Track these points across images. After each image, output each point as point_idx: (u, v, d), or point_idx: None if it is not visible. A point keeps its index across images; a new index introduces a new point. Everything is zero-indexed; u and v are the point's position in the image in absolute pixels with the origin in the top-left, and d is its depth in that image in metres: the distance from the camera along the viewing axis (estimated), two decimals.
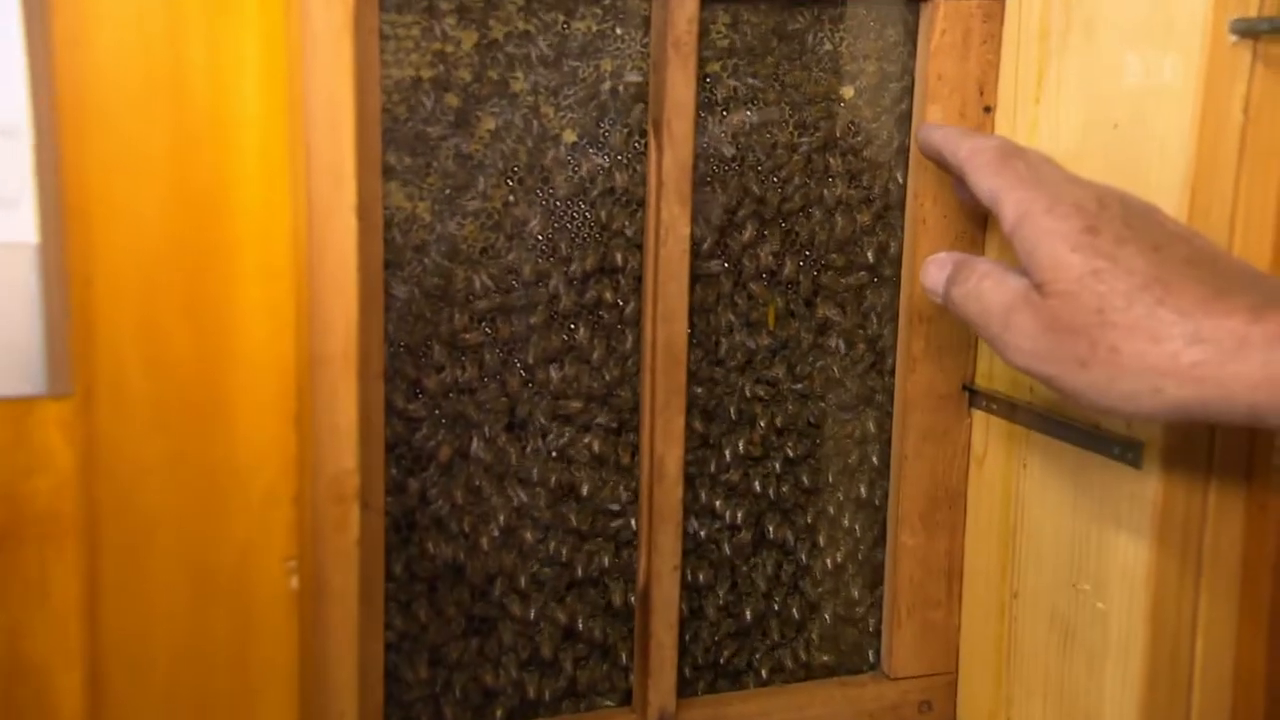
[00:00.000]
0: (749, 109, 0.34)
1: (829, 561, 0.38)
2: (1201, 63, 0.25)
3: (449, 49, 0.30)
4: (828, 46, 0.35)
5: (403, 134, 0.30)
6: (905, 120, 0.36)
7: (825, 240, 0.36)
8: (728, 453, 0.36)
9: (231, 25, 0.22)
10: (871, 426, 0.38)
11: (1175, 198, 0.26)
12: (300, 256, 0.24)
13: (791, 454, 0.37)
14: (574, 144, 0.32)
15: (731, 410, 0.36)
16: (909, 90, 0.36)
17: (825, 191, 0.36)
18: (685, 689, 0.36)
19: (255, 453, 0.24)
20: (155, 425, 0.23)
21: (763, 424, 0.36)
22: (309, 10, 0.24)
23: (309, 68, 0.24)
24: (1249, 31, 0.25)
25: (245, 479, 0.24)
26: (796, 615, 0.38)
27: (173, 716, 0.24)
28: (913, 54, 0.36)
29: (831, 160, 0.36)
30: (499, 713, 0.34)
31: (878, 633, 0.39)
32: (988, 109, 0.35)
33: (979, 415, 0.37)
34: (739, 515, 0.36)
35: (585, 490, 0.34)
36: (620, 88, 0.33)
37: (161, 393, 0.22)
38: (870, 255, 0.36)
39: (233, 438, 0.23)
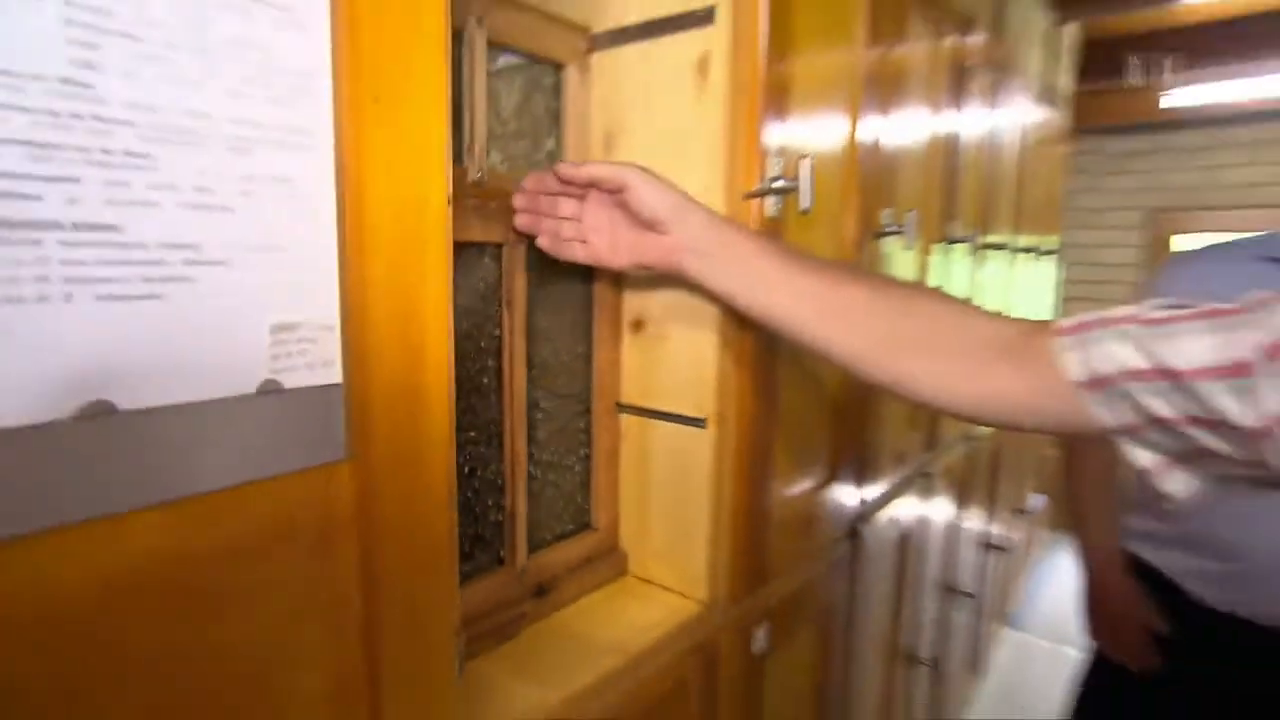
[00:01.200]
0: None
1: (571, 481, 0.71)
2: (727, 210, 0.65)
3: None
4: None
5: None
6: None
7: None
8: (535, 444, 0.66)
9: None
10: (580, 425, 0.72)
11: None
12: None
13: (548, 444, 0.68)
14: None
15: (537, 427, 0.65)
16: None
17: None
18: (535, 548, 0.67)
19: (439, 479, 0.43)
20: (400, 470, 0.40)
21: (542, 433, 0.67)
22: None
23: None
24: (750, 195, 0.66)
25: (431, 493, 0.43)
26: (563, 506, 0.70)
27: None
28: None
29: None
30: None
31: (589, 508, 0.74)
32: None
33: (625, 417, 0.74)
34: (537, 468, 0.67)
35: (484, 467, 0.60)
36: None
37: (404, 452, 0.40)
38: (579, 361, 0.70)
39: (430, 476, 0.42)
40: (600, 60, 0.76)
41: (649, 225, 0.62)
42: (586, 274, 0.76)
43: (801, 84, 0.76)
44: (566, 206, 0.65)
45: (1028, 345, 0.56)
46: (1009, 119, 1.75)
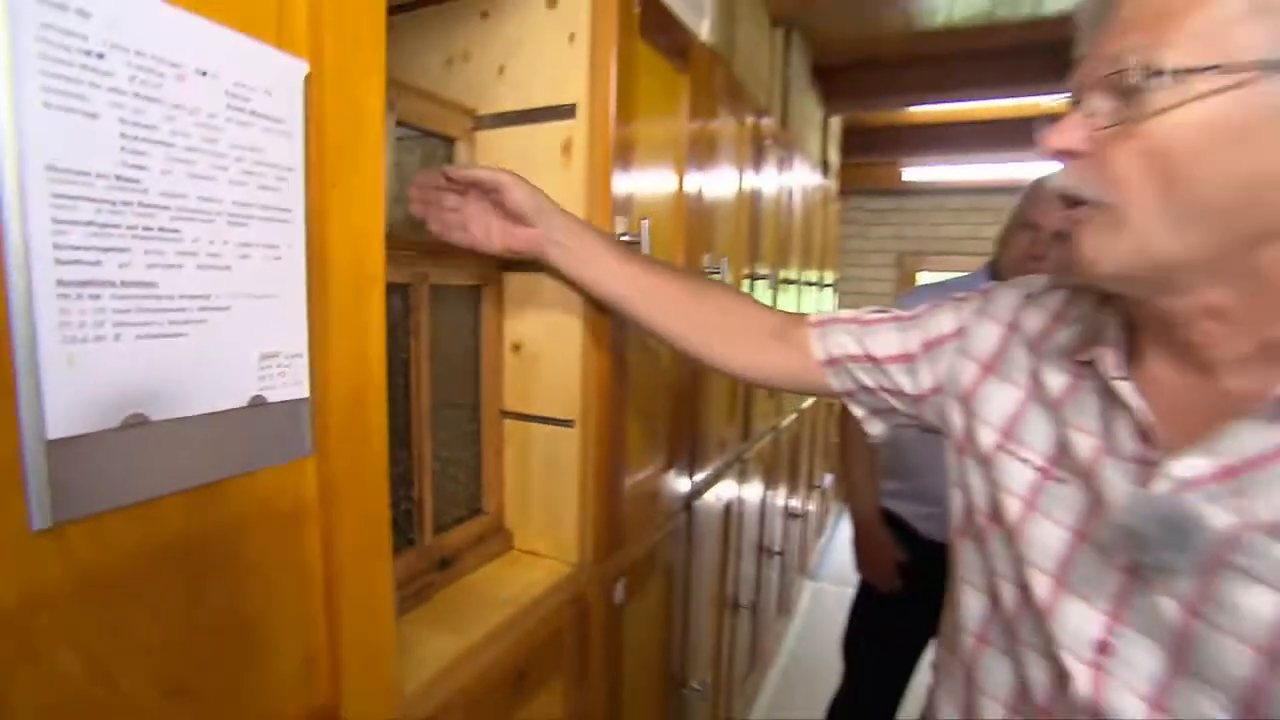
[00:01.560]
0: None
1: (466, 475, 0.78)
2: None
3: None
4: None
5: None
6: None
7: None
8: (437, 445, 0.73)
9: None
10: (473, 429, 0.80)
11: None
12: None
13: (447, 445, 0.75)
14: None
15: (438, 431, 0.72)
16: None
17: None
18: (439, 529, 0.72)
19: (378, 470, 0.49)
20: (354, 458, 0.46)
21: (442, 436, 0.74)
22: None
23: None
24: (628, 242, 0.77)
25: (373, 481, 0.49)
26: (460, 495, 0.77)
27: None
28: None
29: None
30: None
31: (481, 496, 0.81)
32: None
33: (508, 421, 0.83)
34: (439, 464, 0.73)
35: (396, 465, 0.66)
36: None
37: (356, 450, 0.46)
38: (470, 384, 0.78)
39: (372, 468, 0.48)
40: (484, 137, 0.84)
41: (518, 219, 0.71)
42: (474, 307, 0.84)
43: (642, 155, 0.89)
44: (450, 200, 0.71)
45: (793, 333, 0.73)
46: (796, 182, 2.01)
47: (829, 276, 2.83)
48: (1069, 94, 0.48)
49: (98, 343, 0.32)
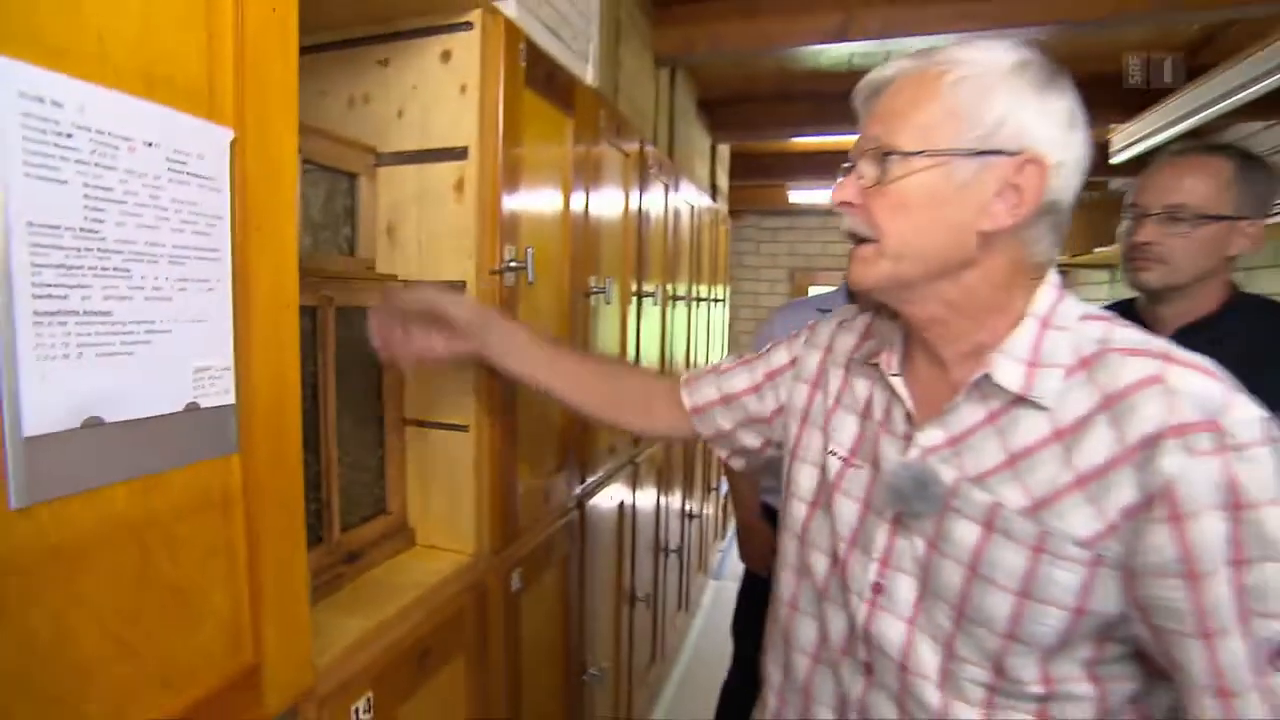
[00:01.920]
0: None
1: (370, 478, 0.87)
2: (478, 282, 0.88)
3: None
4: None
5: None
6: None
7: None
8: (343, 450, 0.81)
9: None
10: (376, 436, 0.88)
11: None
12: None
13: (352, 450, 0.84)
14: None
15: (344, 438, 0.81)
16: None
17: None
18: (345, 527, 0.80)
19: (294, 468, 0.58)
20: (272, 456, 0.55)
21: (348, 442, 0.83)
22: None
23: None
24: (494, 272, 0.89)
25: (289, 477, 0.57)
26: (365, 496, 0.85)
27: None
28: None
29: None
30: None
31: (384, 496, 0.90)
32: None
33: (409, 428, 0.92)
34: (345, 469, 0.82)
35: (306, 469, 0.74)
36: None
37: (272, 448, 0.54)
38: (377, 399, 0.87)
39: (288, 466, 0.57)
40: (385, 172, 0.94)
41: (461, 333, 0.84)
42: None
43: (528, 188, 1.01)
44: (399, 332, 0.84)
45: (674, 393, 0.88)
46: (683, 204, 2.19)
47: (719, 292, 3.04)
48: (849, 162, 0.65)
49: (64, 360, 0.41)
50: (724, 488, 3.37)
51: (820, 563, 0.70)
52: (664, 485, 2.10)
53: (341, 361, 0.84)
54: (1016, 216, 0.56)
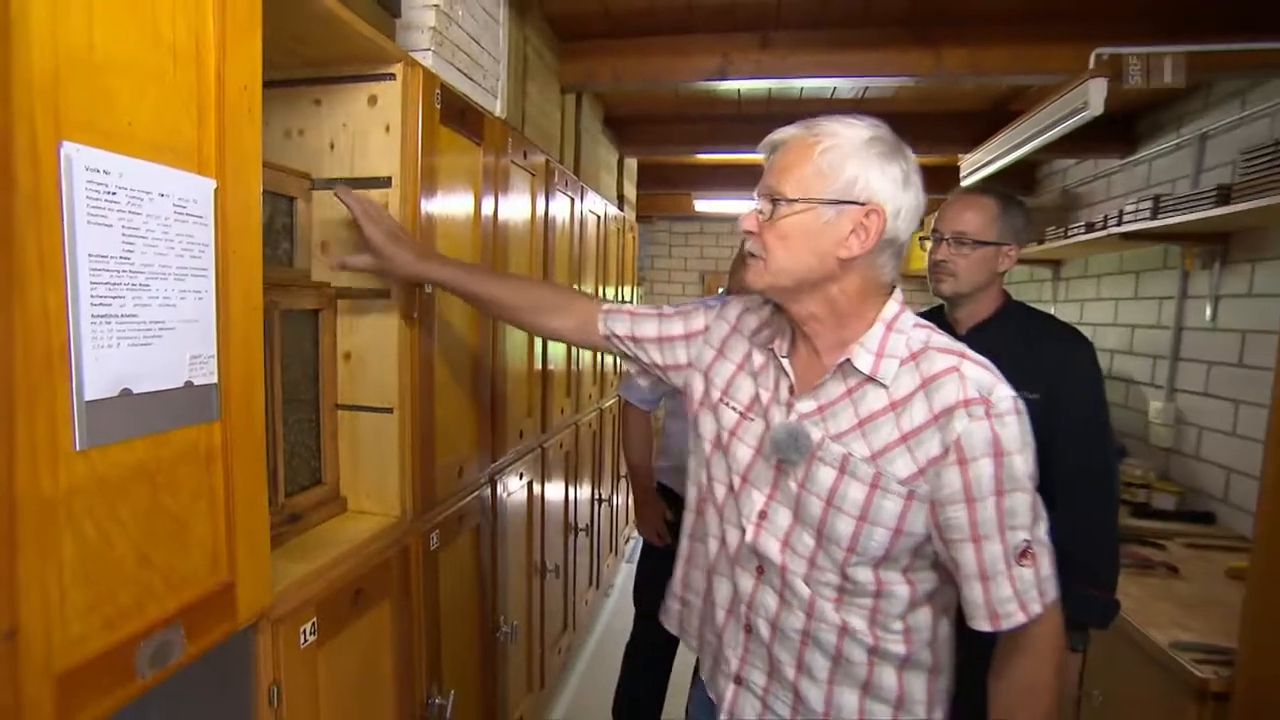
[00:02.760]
0: None
1: (309, 453, 1.04)
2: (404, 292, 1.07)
3: None
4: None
5: None
6: None
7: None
8: (287, 429, 0.98)
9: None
10: (314, 418, 1.06)
11: None
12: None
13: (295, 429, 1.02)
14: None
15: (288, 419, 0.98)
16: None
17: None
18: (288, 494, 0.97)
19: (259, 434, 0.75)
20: (242, 424, 0.72)
21: (291, 422, 1.00)
22: None
23: None
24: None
25: (256, 441, 0.75)
26: (305, 468, 1.03)
27: None
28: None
29: None
30: None
31: (321, 469, 1.08)
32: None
33: (341, 412, 1.10)
34: (289, 445, 0.99)
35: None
36: None
37: (243, 418, 0.72)
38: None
39: (254, 432, 0.74)
40: (320, 196, 1.11)
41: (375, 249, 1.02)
42: (314, 326, 1.10)
43: (444, 210, 1.21)
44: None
45: (591, 311, 1.07)
46: (590, 213, 2.41)
47: (628, 293, 3.29)
48: (754, 197, 0.86)
49: (109, 349, 0.58)
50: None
51: (720, 491, 0.92)
52: (573, 470, 2.32)
53: (285, 356, 1.01)
54: (864, 248, 0.79)
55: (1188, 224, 1.96)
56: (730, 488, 0.91)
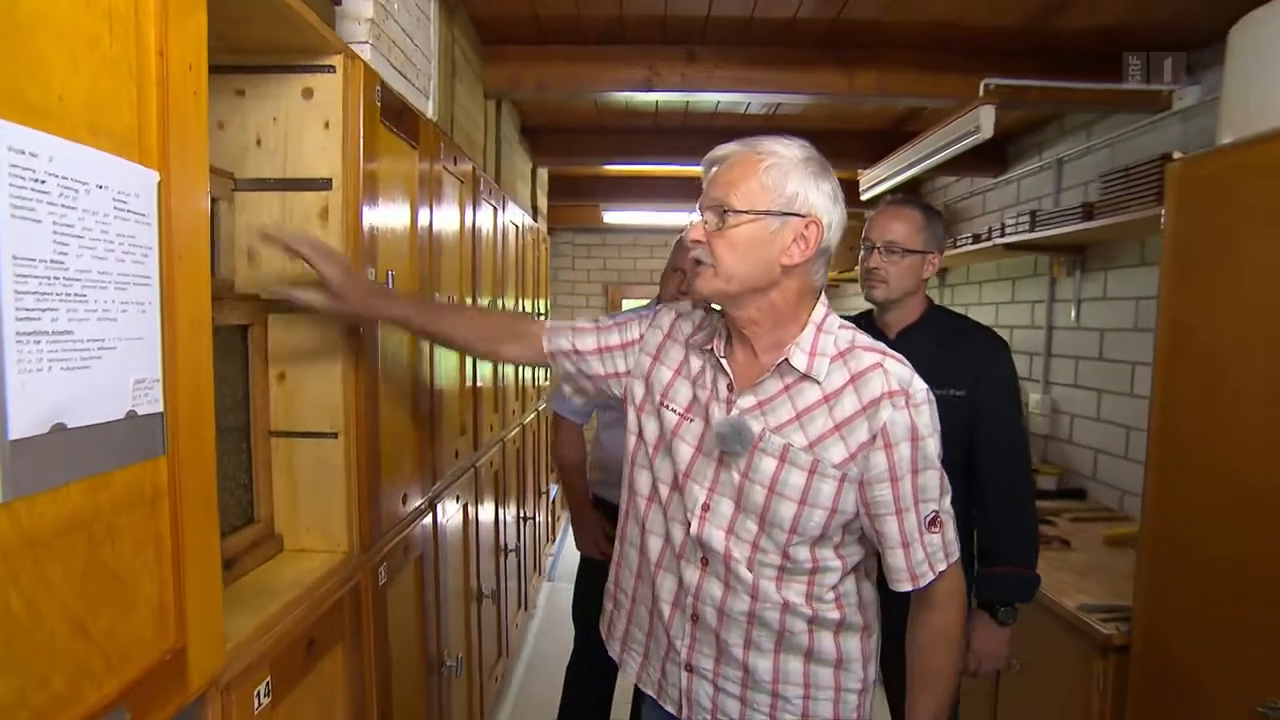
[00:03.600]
0: None
1: (239, 488, 0.91)
2: None
3: None
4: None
5: None
6: None
7: None
8: None
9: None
10: (244, 448, 0.93)
11: None
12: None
13: (222, 463, 0.88)
14: None
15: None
16: None
17: None
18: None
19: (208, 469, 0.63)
20: (192, 458, 0.60)
21: (217, 454, 0.87)
22: None
23: None
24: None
25: (204, 476, 0.63)
26: (235, 507, 0.89)
27: None
28: None
29: None
30: None
31: (253, 506, 0.94)
32: None
33: (276, 440, 0.97)
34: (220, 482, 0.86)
35: None
36: None
37: (192, 450, 0.60)
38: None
39: (203, 466, 0.62)
40: (244, 198, 0.98)
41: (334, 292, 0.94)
42: (242, 343, 0.96)
43: (384, 217, 1.11)
44: None
45: (536, 333, 1.07)
46: (510, 224, 2.33)
47: (542, 305, 3.22)
48: (696, 209, 0.89)
49: (38, 373, 0.47)
50: (554, 489, 3.53)
51: (664, 490, 0.97)
52: (502, 489, 2.21)
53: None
54: (805, 256, 0.86)
55: (1058, 236, 2.18)
56: (673, 485, 0.96)
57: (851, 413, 0.86)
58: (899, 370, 0.88)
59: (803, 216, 0.85)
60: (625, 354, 1.04)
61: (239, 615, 0.80)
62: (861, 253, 1.49)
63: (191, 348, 0.63)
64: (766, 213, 0.84)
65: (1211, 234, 1.27)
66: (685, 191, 3.87)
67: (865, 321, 1.53)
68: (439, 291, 1.42)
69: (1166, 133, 2.12)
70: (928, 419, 0.87)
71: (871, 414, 0.85)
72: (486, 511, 1.98)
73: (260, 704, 0.76)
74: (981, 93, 1.96)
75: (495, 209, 2.08)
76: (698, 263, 0.88)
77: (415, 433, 1.31)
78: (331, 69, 0.97)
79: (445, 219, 1.50)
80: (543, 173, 3.28)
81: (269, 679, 0.77)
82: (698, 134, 2.86)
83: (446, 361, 1.53)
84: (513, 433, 2.44)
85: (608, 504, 1.85)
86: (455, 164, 1.58)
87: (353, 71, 0.99)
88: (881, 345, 0.92)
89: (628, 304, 5.39)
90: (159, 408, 0.59)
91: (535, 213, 3.10)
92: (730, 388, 0.92)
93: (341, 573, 0.99)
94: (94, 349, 0.51)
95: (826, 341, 0.89)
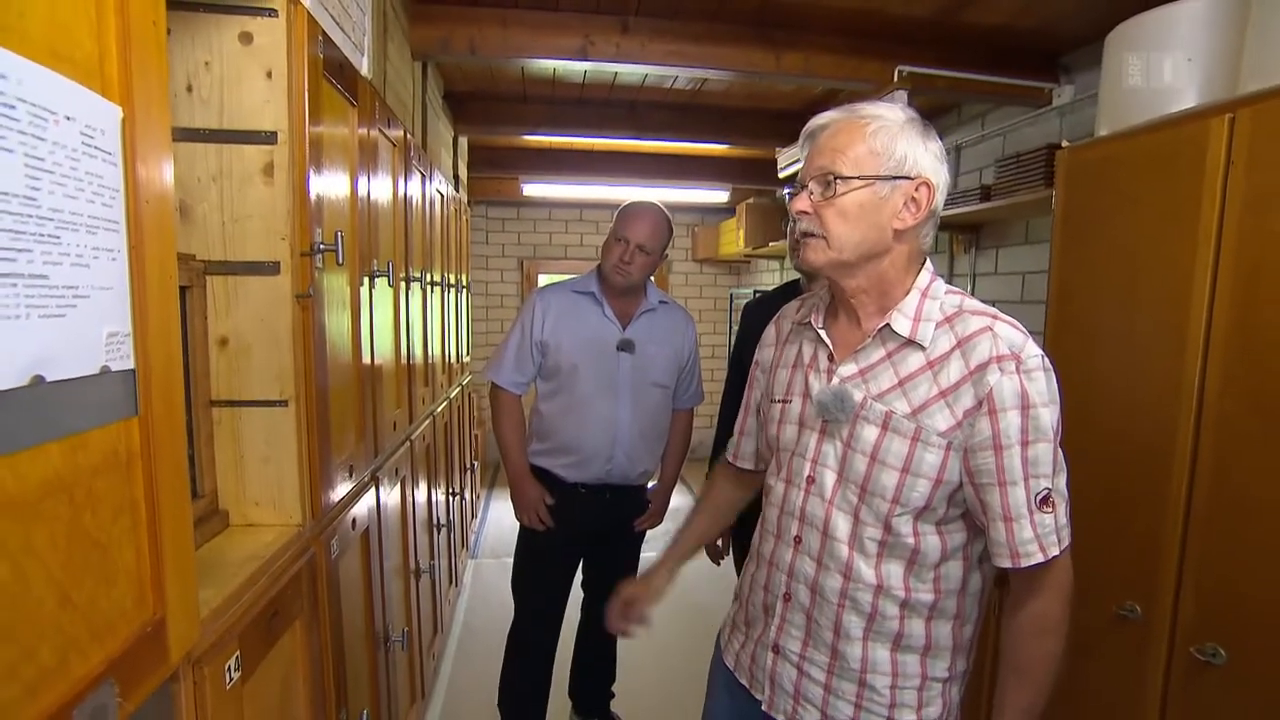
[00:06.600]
0: None
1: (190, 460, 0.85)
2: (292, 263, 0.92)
3: None
4: None
5: None
6: None
7: None
8: None
9: None
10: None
11: None
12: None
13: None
14: None
15: None
16: None
17: None
18: None
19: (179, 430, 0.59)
20: (164, 419, 0.56)
21: None
22: None
23: None
24: (304, 254, 0.93)
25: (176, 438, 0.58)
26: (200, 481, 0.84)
27: None
28: None
29: None
30: None
31: (197, 481, 0.88)
32: None
33: (219, 409, 0.92)
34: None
35: None
36: None
37: (163, 412, 0.56)
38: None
39: (175, 427, 0.58)
40: (177, 148, 0.90)
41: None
42: (180, 308, 0.89)
43: (328, 177, 1.05)
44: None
45: (742, 472, 1.16)
46: (436, 193, 2.24)
47: (463, 279, 3.13)
48: (796, 183, 0.88)
49: (14, 320, 0.42)
50: (475, 465, 3.46)
51: (784, 458, 0.97)
52: (433, 463, 2.16)
53: None
54: (917, 219, 0.84)
55: (958, 215, 2.37)
56: (792, 454, 0.95)
57: (957, 379, 0.81)
58: (1010, 334, 0.81)
59: (913, 179, 0.82)
60: (763, 371, 1.08)
61: (205, 588, 0.76)
62: (790, 224, 1.55)
63: (161, 300, 0.58)
64: (877, 177, 0.81)
65: (1091, 214, 1.43)
66: (608, 165, 3.85)
67: (794, 289, 1.61)
68: (376, 260, 1.36)
69: (1048, 125, 2.35)
70: (1043, 386, 0.80)
71: (978, 379, 0.80)
72: (421, 487, 1.93)
73: (231, 679, 0.72)
74: (895, 79, 2.08)
75: (424, 177, 2.00)
76: (805, 235, 0.86)
77: (358, 403, 1.26)
78: (274, 12, 0.90)
79: (380, 186, 1.43)
80: (463, 142, 3.16)
81: (238, 652, 0.74)
82: (624, 106, 2.85)
83: (382, 331, 1.47)
84: (440, 407, 2.38)
85: (550, 474, 1.86)
86: (389, 127, 1.50)
87: (296, 17, 0.92)
88: (993, 310, 0.85)
89: (544, 279, 5.32)
90: (130, 364, 0.54)
91: (457, 183, 2.99)
92: (831, 358, 0.91)
93: (299, 544, 0.95)
94: (69, 296, 0.47)
95: (932, 307, 0.85)
